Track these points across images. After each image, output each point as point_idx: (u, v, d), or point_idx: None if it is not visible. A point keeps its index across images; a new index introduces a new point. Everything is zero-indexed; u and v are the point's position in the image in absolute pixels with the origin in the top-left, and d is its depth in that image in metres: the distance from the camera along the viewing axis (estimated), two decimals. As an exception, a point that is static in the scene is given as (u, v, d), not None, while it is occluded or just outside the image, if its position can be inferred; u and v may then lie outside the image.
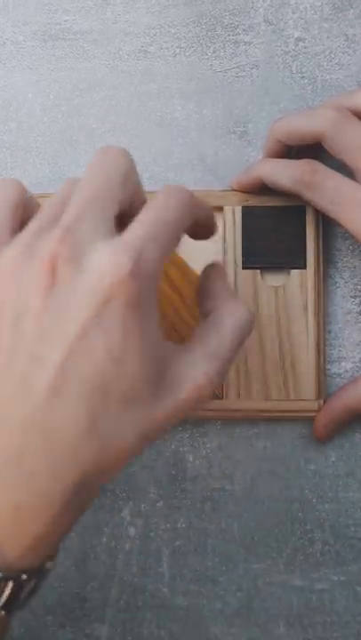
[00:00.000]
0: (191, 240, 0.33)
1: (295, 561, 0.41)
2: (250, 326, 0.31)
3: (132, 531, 0.41)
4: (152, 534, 0.41)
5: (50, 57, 0.44)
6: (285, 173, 0.38)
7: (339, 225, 0.38)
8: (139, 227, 0.28)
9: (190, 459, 0.41)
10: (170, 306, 0.40)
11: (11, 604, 0.28)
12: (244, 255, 0.41)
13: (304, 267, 0.40)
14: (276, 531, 0.41)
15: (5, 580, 0.28)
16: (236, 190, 0.41)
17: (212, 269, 0.34)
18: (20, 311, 0.27)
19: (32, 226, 0.29)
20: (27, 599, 0.29)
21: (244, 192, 0.41)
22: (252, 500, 0.41)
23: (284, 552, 0.41)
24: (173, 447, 0.41)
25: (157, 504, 0.41)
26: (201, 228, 0.32)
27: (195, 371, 0.29)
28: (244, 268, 0.41)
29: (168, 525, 0.41)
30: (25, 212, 0.31)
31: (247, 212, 0.41)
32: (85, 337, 0.26)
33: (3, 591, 0.28)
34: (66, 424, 0.27)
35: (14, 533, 0.27)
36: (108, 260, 0.26)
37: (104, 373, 0.27)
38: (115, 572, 0.41)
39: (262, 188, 0.40)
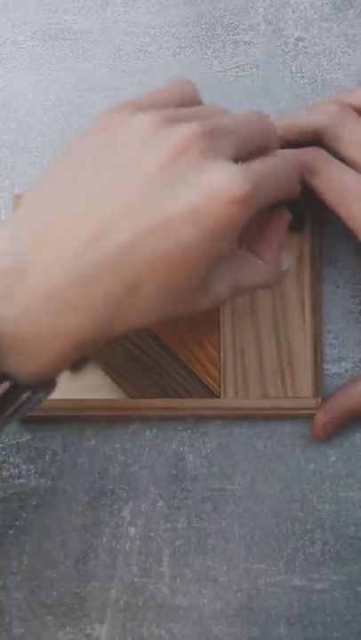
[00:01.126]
0: None
1: (295, 561, 0.41)
2: (273, 283, 0.35)
3: (132, 530, 0.41)
4: (152, 534, 0.41)
5: (50, 57, 0.44)
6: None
7: (338, 223, 0.38)
8: (262, 164, 0.31)
9: (190, 458, 0.41)
10: None
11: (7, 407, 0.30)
12: None
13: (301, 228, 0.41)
14: (276, 530, 0.41)
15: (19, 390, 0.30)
16: None
17: (279, 217, 0.37)
18: (132, 168, 0.29)
19: (189, 110, 0.32)
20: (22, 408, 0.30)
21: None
22: (252, 499, 0.41)
23: (285, 552, 0.41)
24: (174, 447, 0.41)
25: (158, 504, 0.41)
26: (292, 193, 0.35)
27: (220, 291, 0.33)
28: None
29: (168, 525, 0.41)
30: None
31: None
32: (169, 225, 0.29)
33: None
34: (110, 281, 0.29)
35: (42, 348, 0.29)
36: (227, 180, 0.29)
37: (187, 250, 0.29)
38: (115, 572, 0.41)
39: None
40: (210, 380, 0.40)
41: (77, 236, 0.29)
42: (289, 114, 0.39)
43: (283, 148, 0.40)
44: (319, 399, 0.40)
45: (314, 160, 0.37)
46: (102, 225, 0.29)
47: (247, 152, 0.31)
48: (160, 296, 0.30)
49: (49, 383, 0.31)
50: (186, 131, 0.29)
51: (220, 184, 0.29)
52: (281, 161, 0.32)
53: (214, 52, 0.43)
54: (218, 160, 0.29)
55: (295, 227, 0.40)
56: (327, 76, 0.43)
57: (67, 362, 0.30)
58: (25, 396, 0.29)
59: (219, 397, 0.40)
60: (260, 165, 0.31)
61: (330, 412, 0.40)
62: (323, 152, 0.37)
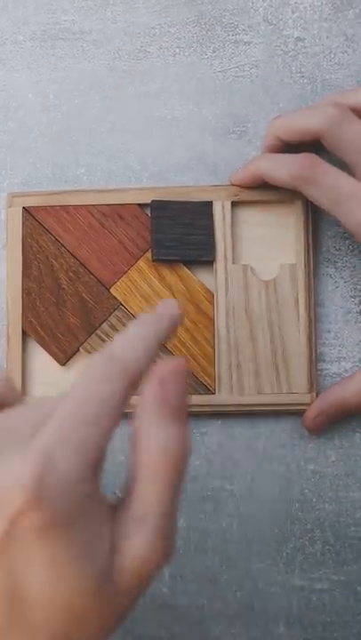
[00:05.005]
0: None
1: (295, 561, 0.41)
2: (184, 460, 0.25)
3: (132, 531, 0.41)
4: (152, 534, 0.41)
5: (49, 57, 0.44)
6: (284, 168, 0.38)
7: (337, 223, 0.38)
8: (47, 427, 0.24)
9: (190, 458, 0.41)
10: None
11: None
12: (154, 248, 0.41)
13: (213, 259, 0.41)
14: (276, 530, 0.41)
15: None
16: (234, 185, 0.41)
17: (147, 402, 0.26)
18: None
19: None
20: None
21: (242, 187, 0.41)
22: (252, 499, 0.41)
23: (285, 552, 0.41)
24: (173, 447, 0.41)
25: (157, 504, 0.41)
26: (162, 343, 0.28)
27: (135, 548, 0.24)
28: (153, 260, 0.41)
29: (168, 525, 0.41)
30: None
31: (158, 206, 0.41)
32: (3, 555, 0.23)
33: None
34: None
35: None
36: (7, 483, 0.22)
37: (47, 620, 0.23)
38: (115, 572, 0.41)
39: (261, 183, 0.40)
40: (205, 377, 0.40)
41: None
42: (288, 115, 0.39)
43: (275, 150, 0.40)
44: (314, 394, 0.40)
45: (308, 169, 0.37)
46: None
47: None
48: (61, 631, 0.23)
49: None
50: None
51: (3, 500, 0.22)
52: (75, 398, 0.24)
53: (214, 52, 0.43)
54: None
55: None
56: (327, 76, 0.43)
57: None
58: None
59: (214, 394, 0.40)
60: (45, 429, 0.24)
61: (324, 404, 0.40)
62: (316, 159, 0.37)
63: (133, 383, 0.26)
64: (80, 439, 0.24)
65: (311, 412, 0.40)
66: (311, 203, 0.40)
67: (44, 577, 0.23)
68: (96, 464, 0.24)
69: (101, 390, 0.25)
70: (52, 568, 0.23)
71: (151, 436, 0.25)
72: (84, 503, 0.23)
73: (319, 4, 0.43)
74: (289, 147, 0.40)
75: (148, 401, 0.26)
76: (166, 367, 0.26)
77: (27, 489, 0.22)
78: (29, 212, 0.42)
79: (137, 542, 0.24)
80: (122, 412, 0.25)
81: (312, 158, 0.37)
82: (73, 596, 0.23)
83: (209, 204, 0.41)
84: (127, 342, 0.26)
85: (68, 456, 0.23)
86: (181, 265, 0.41)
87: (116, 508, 0.25)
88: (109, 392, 0.25)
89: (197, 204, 0.41)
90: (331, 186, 0.37)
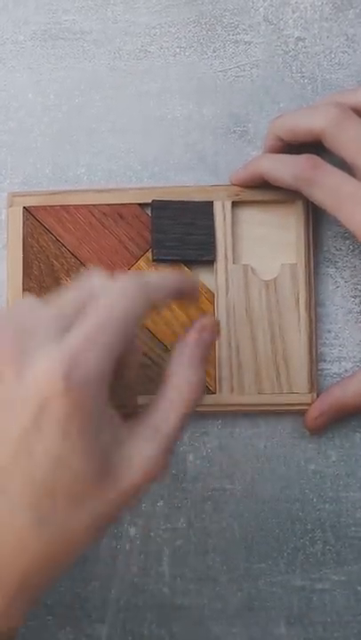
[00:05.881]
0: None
1: (296, 561, 0.41)
2: (195, 400, 0.31)
3: (132, 530, 0.41)
4: (152, 534, 0.41)
5: (50, 57, 0.44)
6: (286, 169, 0.38)
7: (338, 223, 0.38)
8: (77, 332, 0.28)
9: (191, 458, 0.41)
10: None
11: None
12: (155, 247, 0.41)
13: (214, 259, 0.41)
14: (276, 530, 0.41)
15: None
16: (235, 185, 0.41)
17: (201, 329, 0.33)
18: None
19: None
20: None
21: (242, 187, 0.41)
22: (252, 499, 0.41)
23: (285, 552, 0.41)
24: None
25: (158, 504, 0.41)
26: (177, 299, 0.33)
27: (141, 456, 0.29)
28: (154, 260, 0.41)
29: (168, 525, 0.41)
30: None
31: (158, 206, 0.41)
32: (26, 441, 0.27)
33: None
34: (13, 519, 0.28)
35: None
36: (43, 371, 0.27)
37: (46, 474, 0.27)
38: (115, 572, 0.41)
39: (261, 183, 0.40)
40: (205, 377, 0.40)
41: None
42: (289, 115, 0.39)
43: (276, 150, 0.40)
44: (315, 394, 0.40)
45: (310, 170, 0.37)
46: None
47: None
48: (63, 514, 0.28)
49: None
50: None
51: (36, 385, 0.27)
52: (104, 308, 0.29)
53: (214, 51, 0.43)
54: (30, 359, 0.28)
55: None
56: (327, 76, 0.43)
57: None
58: None
59: (214, 393, 0.40)
60: (76, 331, 0.28)
61: (324, 403, 0.40)
62: (318, 160, 0.37)
63: (149, 314, 0.32)
64: (104, 344, 0.28)
65: (312, 413, 0.40)
66: (312, 203, 0.41)
67: (56, 449, 0.27)
68: (111, 370, 0.28)
69: (130, 306, 0.29)
70: (66, 448, 0.27)
71: (181, 371, 0.32)
72: (101, 403, 0.28)
73: (320, 3, 0.43)
74: (290, 147, 0.40)
75: (187, 342, 0.32)
76: (206, 321, 0.33)
77: (57, 380, 0.27)
78: (30, 212, 0.42)
79: (145, 453, 0.29)
80: (135, 333, 0.30)
81: (314, 159, 0.37)
82: (75, 475, 0.28)
83: (210, 204, 0.41)
84: (160, 280, 0.32)
85: (93, 357, 0.28)
86: (182, 265, 0.41)
87: (129, 426, 0.30)
88: (135, 310, 0.30)
89: (198, 203, 0.41)
90: (332, 187, 0.37)
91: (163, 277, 0.32)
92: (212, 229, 0.41)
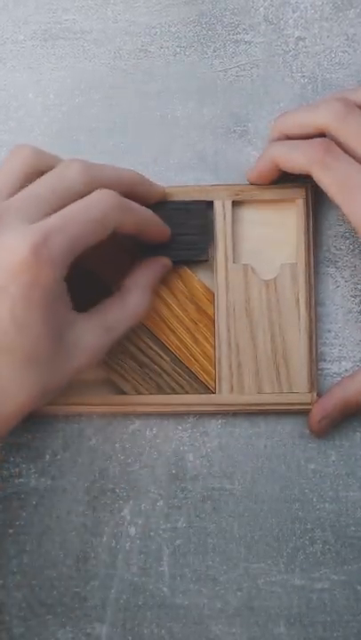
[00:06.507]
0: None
1: (296, 560, 0.41)
2: (141, 318, 0.38)
3: (132, 530, 0.41)
4: (152, 534, 0.41)
5: (50, 56, 0.44)
6: (299, 151, 0.38)
7: (338, 222, 0.37)
8: (54, 218, 0.33)
9: (191, 458, 0.41)
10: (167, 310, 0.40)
11: None
12: (146, 248, 0.41)
13: (207, 259, 0.41)
14: (276, 530, 0.41)
15: None
16: (252, 184, 0.41)
17: (155, 261, 0.39)
18: None
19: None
20: None
21: (259, 184, 0.41)
22: (252, 499, 0.41)
23: (285, 551, 0.41)
24: (174, 446, 0.41)
25: (158, 503, 0.41)
26: (141, 232, 0.37)
27: (90, 340, 0.35)
28: None
29: (168, 525, 0.41)
30: (38, 176, 0.36)
31: (154, 206, 0.40)
32: None
33: None
34: None
35: None
36: (15, 241, 0.32)
37: (7, 334, 0.32)
38: (115, 572, 0.41)
39: (276, 175, 0.40)
40: (205, 376, 0.40)
41: None
42: (292, 111, 0.39)
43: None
44: (315, 394, 0.40)
45: (324, 152, 0.37)
46: None
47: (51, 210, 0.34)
48: (25, 374, 0.33)
49: None
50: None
51: (7, 252, 0.32)
52: (82, 206, 0.34)
53: (215, 51, 0.43)
54: (6, 232, 0.32)
55: (197, 257, 0.41)
56: (328, 76, 0.43)
57: None
58: None
59: (214, 393, 0.40)
60: (52, 219, 0.33)
61: (327, 405, 0.39)
62: (332, 143, 0.37)
63: (121, 228, 0.35)
64: (74, 236, 0.33)
65: (315, 416, 0.40)
66: (312, 202, 0.40)
67: (18, 314, 0.32)
68: (71, 262, 0.33)
69: (109, 210, 0.34)
70: (27, 314, 0.32)
71: (137, 291, 0.38)
72: (60, 284, 0.33)
73: (320, 3, 0.43)
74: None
75: (149, 267, 0.39)
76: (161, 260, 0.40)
77: (26, 253, 0.31)
78: None
79: (93, 344, 0.35)
80: (103, 237, 0.34)
81: (328, 142, 0.37)
82: (33, 339, 0.32)
83: (202, 203, 0.41)
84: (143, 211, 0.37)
85: (62, 242, 0.32)
86: (182, 264, 0.41)
87: (82, 316, 0.35)
88: (114, 216, 0.34)
89: (191, 202, 0.41)
90: (342, 172, 0.36)
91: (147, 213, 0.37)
92: (204, 228, 0.41)
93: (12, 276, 0.31)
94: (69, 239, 0.33)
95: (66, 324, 0.34)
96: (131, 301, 0.37)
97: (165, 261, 0.40)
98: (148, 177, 0.42)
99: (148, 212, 0.38)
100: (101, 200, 0.34)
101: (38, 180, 0.35)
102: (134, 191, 0.38)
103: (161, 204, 0.41)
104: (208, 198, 0.41)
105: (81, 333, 0.34)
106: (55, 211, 0.34)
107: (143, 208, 0.37)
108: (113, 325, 0.36)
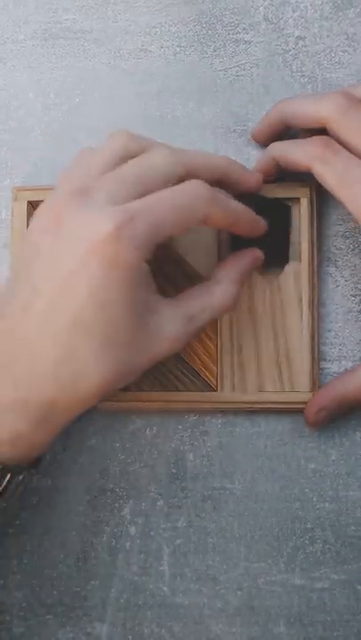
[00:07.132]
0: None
1: (296, 560, 0.41)
2: (226, 311, 0.36)
3: (132, 529, 0.41)
4: (152, 533, 0.41)
5: (50, 56, 0.44)
6: (299, 148, 0.38)
7: (338, 222, 0.37)
8: (142, 201, 0.32)
9: (191, 457, 0.41)
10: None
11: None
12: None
13: (287, 260, 0.41)
14: (276, 530, 0.41)
15: None
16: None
17: (247, 253, 0.38)
18: (33, 248, 0.33)
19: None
20: (11, 491, 0.34)
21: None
22: (252, 498, 0.41)
23: (285, 551, 0.41)
24: (174, 446, 0.41)
25: (158, 503, 0.41)
26: (231, 226, 0.36)
27: (172, 328, 0.34)
28: None
29: (168, 524, 0.41)
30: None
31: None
32: (73, 278, 0.31)
33: None
34: (50, 348, 0.31)
35: None
36: (99, 217, 0.31)
37: (86, 312, 0.31)
38: (115, 571, 0.41)
39: (276, 173, 0.40)
40: (207, 374, 0.40)
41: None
42: (294, 100, 0.39)
43: (275, 130, 0.40)
44: None
45: (323, 148, 0.37)
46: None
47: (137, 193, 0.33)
48: (102, 355, 0.32)
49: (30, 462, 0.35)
50: (57, 200, 0.33)
51: (92, 230, 0.31)
52: (169, 194, 0.33)
53: (215, 51, 0.43)
54: (94, 210, 0.32)
55: (277, 263, 0.41)
56: (327, 75, 0.43)
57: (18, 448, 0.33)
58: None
59: (216, 391, 0.40)
60: (138, 202, 0.32)
61: (325, 397, 0.39)
62: (331, 140, 0.37)
63: (208, 220, 0.34)
64: (159, 222, 0.32)
65: (312, 407, 0.39)
66: (316, 202, 0.40)
67: (98, 293, 0.31)
68: (154, 248, 0.32)
69: (197, 200, 0.33)
70: (107, 293, 0.31)
71: (226, 282, 0.37)
72: (143, 266, 0.32)
73: (320, 2, 0.43)
74: (288, 131, 0.40)
75: (240, 259, 0.38)
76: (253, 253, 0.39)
77: (109, 229, 0.31)
78: (34, 207, 0.41)
79: (175, 332, 0.34)
80: (190, 227, 0.34)
81: (327, 139, 0.37)
82: (112, 320, 0.31)
83: None
84: (230, 202, 0.36)
85: (147, 225, 0.32)
86: (186, 261, 0.41)
87: (167, 302, 0.34)
88: (201, 207, 0.34)
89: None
90: (341, 166, 0.36)
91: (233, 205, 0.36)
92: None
93: (93, 252, 0.31)
94: (153, 223, 0.32)
95: (148, 308, 0.33)
96: (218, 293, 0.36)
97: (258, 254, 0.39)
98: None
99: (240, 207, 0.36)
100: (188, 190, 0.34)
101: (126, 164, 0.34)
102: (225, 180, 0.37)
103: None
104: None
105: (163, 320, 0.34)
106: (141, 195, 0.33)
107: (235, 202, 0.36)
108: (197, 315, 0.35)
